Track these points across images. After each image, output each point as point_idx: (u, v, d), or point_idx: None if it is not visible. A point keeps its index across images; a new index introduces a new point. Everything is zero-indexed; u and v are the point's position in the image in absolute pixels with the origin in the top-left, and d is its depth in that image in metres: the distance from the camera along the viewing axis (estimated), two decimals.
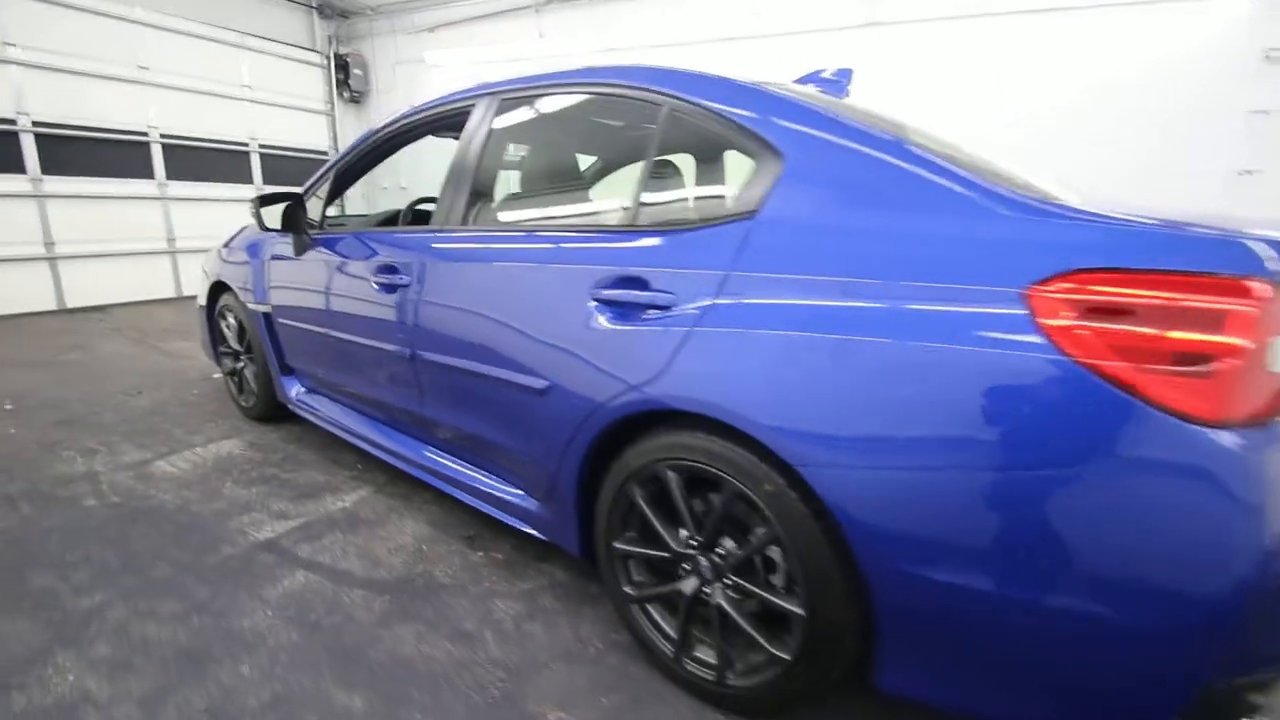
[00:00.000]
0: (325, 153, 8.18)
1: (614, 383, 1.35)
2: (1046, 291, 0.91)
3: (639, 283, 1.34)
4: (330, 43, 8.03)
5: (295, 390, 2.70)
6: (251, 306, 2.71)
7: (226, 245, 3.01)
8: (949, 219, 1.04)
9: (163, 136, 6.35)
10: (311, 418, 2.59)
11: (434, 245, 1.87)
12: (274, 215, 2.35)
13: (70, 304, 5.83)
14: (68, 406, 3.17)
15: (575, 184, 2.23)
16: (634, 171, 1.50)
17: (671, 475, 1.31)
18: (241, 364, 2.98)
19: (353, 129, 8.34)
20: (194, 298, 3.23)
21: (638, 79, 1.51)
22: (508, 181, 2.11)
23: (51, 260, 5.69)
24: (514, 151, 2.12)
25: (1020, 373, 0.91)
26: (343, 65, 8.02)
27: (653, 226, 1.44)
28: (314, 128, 8.05)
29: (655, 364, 1.27)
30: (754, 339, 1.14)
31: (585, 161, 2.37)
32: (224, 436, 2.83)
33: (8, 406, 3.15)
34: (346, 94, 8.17)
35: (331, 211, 2.47)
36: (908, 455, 1.00)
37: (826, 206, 1.16)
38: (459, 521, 2.11)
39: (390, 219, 2.71)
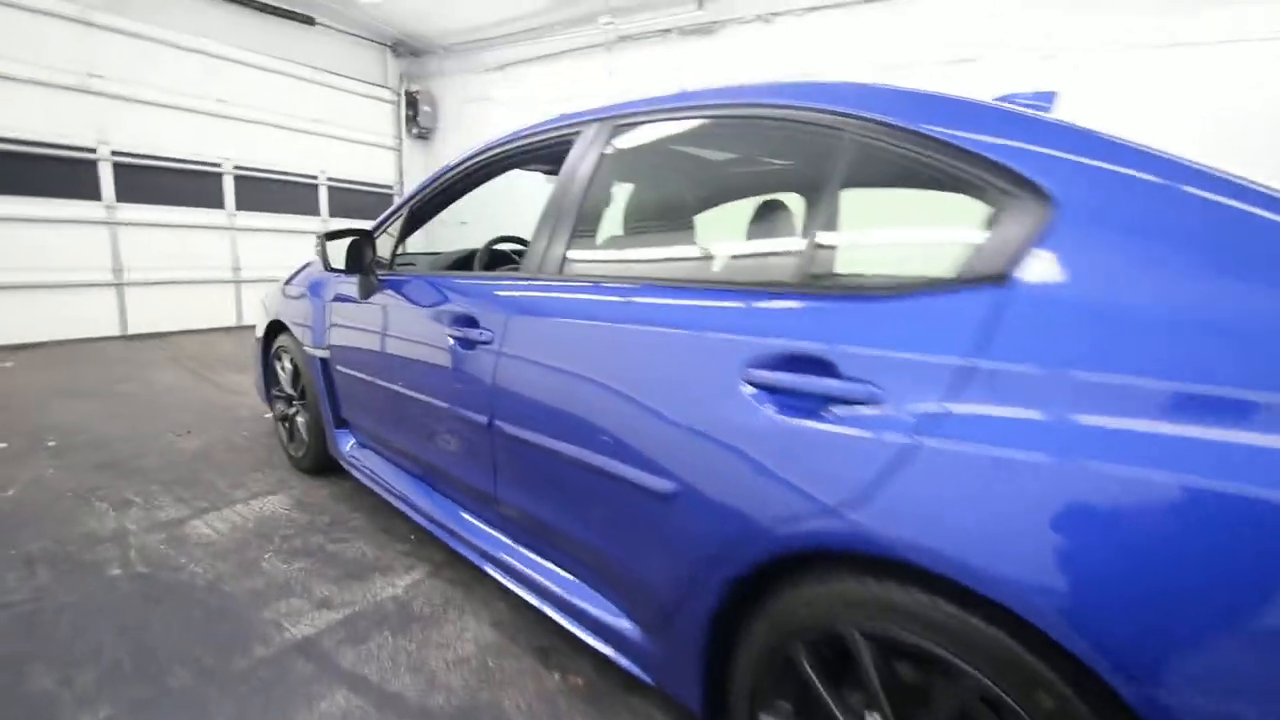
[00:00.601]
0: (391, 187, 8.23)
1: (784, 501, 0.97)
2: None
3: (818, 365, 0.97)
4: (402, 80, 8.13)
5: (348, 445, 2.41)
6: (309, 350, 2.46)
7: (288, 281, 2.79)
8: None
9: (235, 168, 6.41)
10: (363, 479, 2.29)
11: (525, 296, 1.55)
12: (340, 253, 2.09)
13: (133, 330, 5.82)
14: (112, 446, 2.98)
15: (714, 229, 1.88)
16: (802, 213, 1.15)
17: (862, 640, 0.92)
18: (294, 410, 2.73)
19: (419, 165, 8.39)
20: (253, 327, 3.03)
21: (810, 98, 1.16)
22: (619, 223, 1.79)
23: (119, 286, 5.71)
24: (630, 188, 1.80)
25: None
26: (412, 102, 8.10)
27: (835, 288, 1.08)
28: (382, 163, 8.11)
29: (845, 486, 0.89)
30: (1031, 470, 0.75)
31: (725, 201, 2.02)
32: (269, 491, 2.56)
33: (51, 443, 2.97)
34: (415, 130, 8.24)
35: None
36: None
37: (1147, 275, 0.78)
38: (529, 625, 1.74)
39: (464, 260, 2.44)
